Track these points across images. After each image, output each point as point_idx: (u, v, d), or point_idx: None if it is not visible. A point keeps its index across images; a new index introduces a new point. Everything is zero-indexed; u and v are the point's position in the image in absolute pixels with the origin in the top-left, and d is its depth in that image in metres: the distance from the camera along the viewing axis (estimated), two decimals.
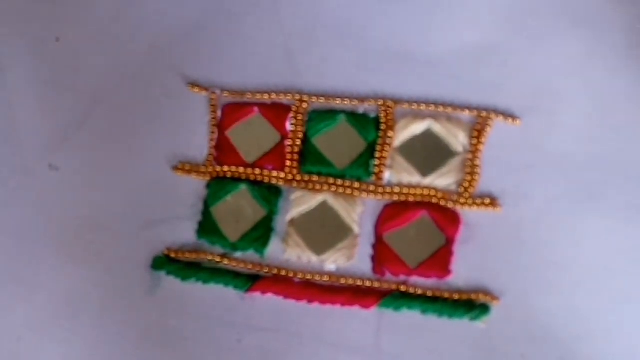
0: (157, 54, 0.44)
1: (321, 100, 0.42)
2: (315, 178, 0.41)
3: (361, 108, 0.42)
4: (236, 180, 0.42)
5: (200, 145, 0.43)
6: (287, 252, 0.40)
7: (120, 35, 0.45)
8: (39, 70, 0.45)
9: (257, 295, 0.40)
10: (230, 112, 0.43)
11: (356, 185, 0.41)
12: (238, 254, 0.41)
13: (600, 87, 0.40)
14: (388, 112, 0.41)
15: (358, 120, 0.42)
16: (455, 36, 0.42)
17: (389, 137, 0.41)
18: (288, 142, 0.42)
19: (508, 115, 0.40)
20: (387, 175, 0.41)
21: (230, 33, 0.44)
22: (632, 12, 0.42)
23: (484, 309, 0.38)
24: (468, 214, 0.40)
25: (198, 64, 0.44)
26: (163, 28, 0.44)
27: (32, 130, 0.44)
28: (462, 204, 0.40)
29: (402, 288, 0.39)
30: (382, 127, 0.41)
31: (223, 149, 0.42)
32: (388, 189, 0.40)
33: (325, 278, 0.40)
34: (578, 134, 0.40)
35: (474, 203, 0.39)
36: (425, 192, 0.40)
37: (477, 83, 0.41)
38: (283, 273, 0.40)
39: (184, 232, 0.41)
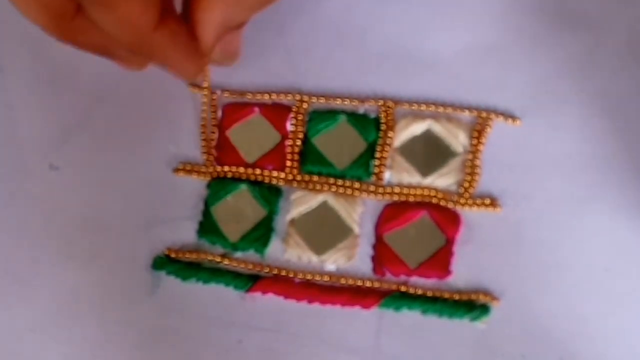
0: None
1: (321, 101, 0.42)
2: (315, 178, 0.41)
3: (361, 108, 0.42)
4: (236, 180, 0.42)
5: (200, 146, 0.43)
6: (287, 252, 0.40)
7: None
8: (39, 70, 0.45)
9: (257, 295, 0.40)
10: (230, 112, 0.43)
11: (356, 185, 0.41)
12: (238, 254, 0.41)
13: (601, 88, 0.41)
14: (388, 112, 0.41)
15: (358, 120, 0.42)
16: (455, 36, 0.42)
17: (389, 138, 0.41)
18: (288, 142, 0.42)
19: (508, 115, 0.40)
20: (387, 175, 0.41)
21: None
22: (632, 12, 0.42)
23: (484, 309, 0.38)
24: (468, 214, 0.40)
25: None
26: None
27: (32, 130, 0.44)
28: (462, 204, 0.40)
29: (403, 288, 0.39)
30: (383, 127, 0.41)
31: (223, 149, 0.42)
32: (388, 189, 0.41)
33: (326, 278, 0.40)
34: (578, 134, 0.40)
35: (474, 203, 0.40)
36: (426, 192, 0.40)
37: (478, 83, 0.41)
38: (283, 273, 0.40)
39: (185, 232, 0.41)
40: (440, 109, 0.41)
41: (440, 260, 0.39)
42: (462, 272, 0.39)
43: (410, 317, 0.39)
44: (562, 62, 0.41)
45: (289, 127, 0.42)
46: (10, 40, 0.45)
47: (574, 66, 0.41)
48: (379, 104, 0.42)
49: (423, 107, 0.41)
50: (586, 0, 0.42)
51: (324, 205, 0.41)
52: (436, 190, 0.40)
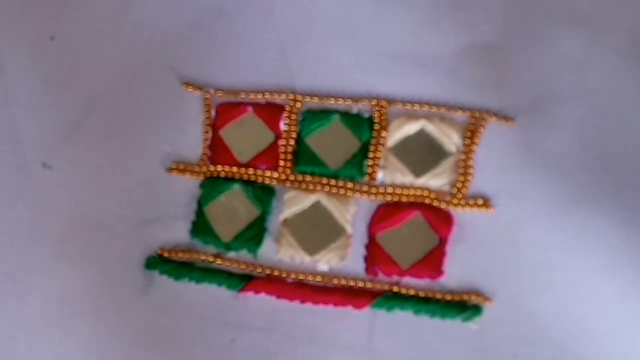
0: (151, 53, 0.44)
1: (315, 100, 0.42)
2: (308, 178, 0.41)
3: (355, 108, 0.42)
4: (230, 180, 0.42)
5: (194, 145, 0.43)
6: (280, 252, 0.40)
7: (116, 35, 0.44)
8: (36, 69, 0.44)
9: (250, 295, 0.40)
10: (224, 111, 0.43)
11: (349, 185, 0.41)
12: (231, 254, 0.41)
13: (597, 88, 0.40)
14: (382, 112, 0.41)
15: (352, 120, 0.42)
16: (450, 36, 0.42)
17: (383, 137, 0.41)
18: (281, 142, 0.42)
19: (502, 115, 0.40)
20: (380, 175, 0.41)
21: (225, 32, 0.44)
22: (631, 11, 0.41)
23: (476, 309, 0.38)
24: (461, 214, 0.40)
25: (192, 63, 0.44)
26: (158, 27, 0.44)
27: (28, 129, 0.44)
28: (455, 205, 0.40)
29: (395, 288, 0.39)
30: (376, 127, 0.41)
31: (217, 149, 0.42)
32: (381, 189, 0.40)
33: (318, 278, 0.40)
34: (573, 135, 0.40)
35: (467, 204, 0.39)
36: (419, 192, 0.40)
37: (471, 83, 0.41)
38: (276, 273, 0.40)
39: (178, 232, 0.41)
40: (434, 109, 0.41)
41: (432, 260, 0.39)
42: (455, 273, 0.39)
43: (403, 317, 0.39)
44: (558, 62, 0.41)
45: (283, 126, 0.42)
46: (10, 40, 0.45)
47: (570, 66, 0.41)
48: (373, 103, 0.42)
49: (417, 107, 0.41)
50: (584, 0, 0.42)
51: (316, 205, 0.41)
52: (429, 190, 0.40)
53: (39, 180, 0.43)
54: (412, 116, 0.41)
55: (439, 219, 0.39)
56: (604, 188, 0.39)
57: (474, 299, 0.38)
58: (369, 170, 0.41)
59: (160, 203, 0.42)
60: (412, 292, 0.39)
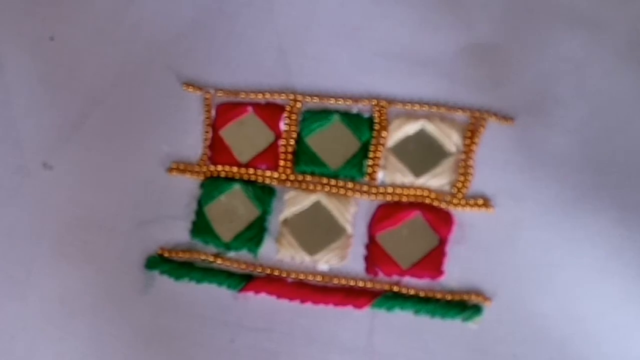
0: (152, 53, 0.44)
1: (315, 100, 0.42)
2: (308, 178, 0.41)
3: (355, 108, 0.42)
4: (230, 179, 0.42)
5: (194, 145, 0.43)
6: (280, 252, 0.40)
7: (116, 35, 0.44)
8: (36, 69, 0.44)
9: (250, 295, 0.40)
10: (224, 111, 0.43)
11: (349, 185, 0.41)
12: (231, 254, 0.41)
13: (597, 89, 0.40)
14: (382, 112, 0.41)
15: (352, 120, 0.42)
16: (450, 36, 0.42)
17: (383, 137, 0.41)
18: (282, 142, 0.42)
19: (502, 115, 0.40)
20: (380, 175, 0.41)
21: (225, 33, 0.44)
22: (631, 12, 0.42)
23: (476, 309, 0.38)
24: (461, 214, 0.40)
25: (192, 63, 0.43)
26: (158, 28, 0.44)
27: (28, 129, 0.44)
28: (455, 205, 0.40)
29: (395, 288, 0.39)
30: (376, 127, 0.41)
31: (217, 149, 0.42)
32: (381, 189, 0.40)
33: (318, 278, 0.40)
34: (573, 135, 0.40)
35: (467, 204, 0.39)
36: (419, 192, 0.40)
37: (471, 83, 0.41)
38: (276, 273, 0.40)
39: (178, 232, 0.41)
40: (434, 109, 0.41)
41: (432, 260, 0.39)
42: (455, 273, 0.39)
43: (403, 317, 0.39)
44: (558, 63, 0.41)
45: (283, 126, 0.42)
46: (10, 40, 0.45)
47: (570, 67, 0.41)
48: (373, 103, 0.42)
49: (417, 107, 0.41)
50: (584, 0, 0.42)
51: (317, 205, 0.41)
52: (429, 190, 0.40)
53: (39, 180, 0.43)
54: (412, 116, 0.41)
55: (439, 219, 0.40)
56: (603, 188, 0.39)
57: (474, 299, 0.38)
58: (369, 170, 0.41)
59: (161, 203, 0.42)
60: (412, 292, 0.39)
